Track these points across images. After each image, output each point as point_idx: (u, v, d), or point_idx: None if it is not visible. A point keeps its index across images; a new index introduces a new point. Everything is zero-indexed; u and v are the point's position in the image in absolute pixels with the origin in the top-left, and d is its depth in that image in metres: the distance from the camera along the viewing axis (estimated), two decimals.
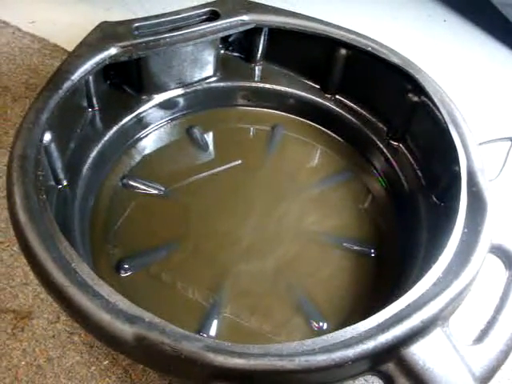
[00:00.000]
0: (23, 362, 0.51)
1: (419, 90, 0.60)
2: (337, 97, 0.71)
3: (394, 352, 0.38)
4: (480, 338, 0.41)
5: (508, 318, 0.42)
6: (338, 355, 0.36)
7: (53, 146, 0.52)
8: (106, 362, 0.51)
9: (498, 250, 0.47)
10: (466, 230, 0.46)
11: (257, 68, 0.73)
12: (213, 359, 0.35)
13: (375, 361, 0.38)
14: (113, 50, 0.58)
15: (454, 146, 0.53)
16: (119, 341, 0.37)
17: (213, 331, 0.51)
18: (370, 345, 0.37)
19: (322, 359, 0.36)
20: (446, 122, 0.55)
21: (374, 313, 0.40)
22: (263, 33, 0.70)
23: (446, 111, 0.56)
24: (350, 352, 0.36)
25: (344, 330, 0.39)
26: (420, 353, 0.38)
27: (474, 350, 0.40)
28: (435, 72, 0.64)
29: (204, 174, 0.66)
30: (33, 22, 0.92)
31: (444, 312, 0.40)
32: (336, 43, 0.66)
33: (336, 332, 0.39)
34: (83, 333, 0.53)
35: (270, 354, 0.36)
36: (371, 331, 0.39)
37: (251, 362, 0.35)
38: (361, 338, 0.38)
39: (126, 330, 0.36)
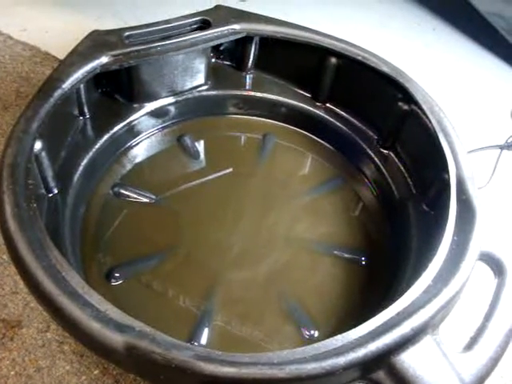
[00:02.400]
0: (12, 372, 0.50)
1: (409, 98, 0.61)
2: (327, 105, 0.72)
3: (384, 360, 0.38)
4: (470, 346, 0.41)
5: (497, 325, 0.42)
6: (329, 363, 0.36)
7: (43, 154, 0.52)
8: (96, 372, 0.51)
9: (487, 258, 0.47)
10: (455, 238, 0.46)
11: (248, 76, 0.74)
12: (203, 368, 0.35)
13: (366, 369, 0.38)
14: (104, 59, 0.58)
15: (444, 155, 0.53)
16: (109, 350, 0.36)
17: (204, 339, 0.51)
18: (360, 353, 0.37)
19: (312, 367, 0.36)
20: (435, 131, 0.55)
21: (365, 320, 0.41)
22: (254, 41, 0.70)
23: (436, 120, 0.56)
24: (341, 360, 0.37)
25: (335, 338, 0.39)
26: (410, 360, 0.39)
27: (463, 358, 0.40)
28: (424, 80, 0.65)
29: (195, 182, 0.66)
30: (24, 29, 0.92)
31: (434, 320, 0.40)
32: (326, 52, 0.67)
33: (327, 340, 0.39)
34: (73, 342, 0.52)
35: (260, 363, 0.36)
36: (362, 339, 0.39)
37: (242, 370, 0.35)
38: (351, 345, 0.38)
39: (117, 339, 0.36)
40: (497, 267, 0.47)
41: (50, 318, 0.52)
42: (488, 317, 0.43)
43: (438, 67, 0.99)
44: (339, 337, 0.39)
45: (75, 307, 0.37)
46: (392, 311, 0.41)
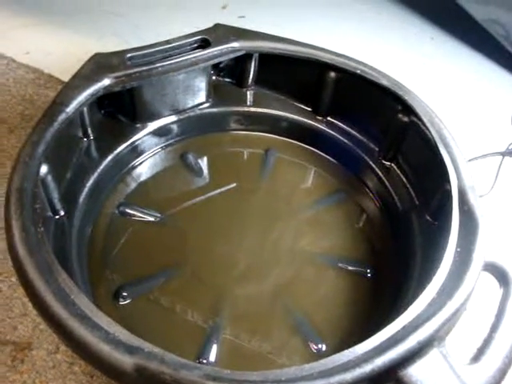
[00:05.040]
0: None
1: (408, 110, 0.61)
2: (328, 119, 0.72)
3: (391, 374, 0.39)
4: (477, 357, 0.41)
5: (504, 335, 0.42)
6: (337, 379, 0.36)
7: (49, 177, 0.52)
8: None
9: (491, 268, 0.47)
10: (458, 249, 0.46)
11: (248, 93, 0.74)
12: None
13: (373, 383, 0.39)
14: (106, 81, 0.59)
15: (445, 166, 0.53)
16: (119, 371, 0.37)
17: (213, 355, 0.51)
18: (367, 368, 0.37)
19: None
20: (435, 142, 0.56)
21: (372, 332, 0.41)
22: (253, 58, 0.71)
23: (436, 131, 0.57)
24: (348, 376, 0.37)
25: (342, 353, 0.39)
26: (417, 374, 0.39)
27: (471, 370, 0.40)
28: (424, 90, 0.65)
29: (199, 199, 0.66)
30: (27, 52, 0.93)
31: (440, 332, 0.40)
32: (325, 66, 0.67)
33: (334, 355, 0.39)
34: (83, 363, 0.53)
35: (268, 381, 0.36)
36: (369, 354, 0.39)
37: None
38: (358, 361, 0.38)
39: (126, 361, 0.37)
40: (501, 277, 0.47)
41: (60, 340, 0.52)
42: (494, 327, 0.43)
43: (436, 76, 1.00)
44: (346, 352, 0.39)
45: (84, 330, 0.38)
46: (398, 325, 0.41)
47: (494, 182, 0.75)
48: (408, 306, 0.43)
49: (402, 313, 0.42)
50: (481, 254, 0.46)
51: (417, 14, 1.19)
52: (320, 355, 0.51)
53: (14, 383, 0.51)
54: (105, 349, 0.37)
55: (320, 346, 0.53)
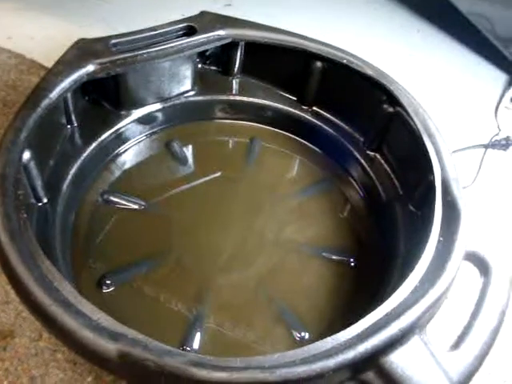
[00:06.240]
0: (5, 382, 0.50)
1: (393, 100, 0.61)
2: (314, 108, 0.72)
3: (373, 361, 0.39)
4: (457, 344, 0.42)
5: (483, 323, 0.43)
6: (319, 366, 0.37)
7: (32, 164, 0.52)
8: (89, 379, 0.51)
9: (472, 257, 0.48)
10: (441, 239, 0.47)
11: (234, 81, 0.74)
12: (196, 373, 0.36)
13: (355, 370, 0.39)
14: (90, 67, 0.58)
15: (428, 156, 0.54)
16: (103, 358, 0.37)
17: (196, 343, 0.51)
18: (349, 354, 0.38)
19: (302, 370, 0.36)
20: (419, 132, 0.56)
21: (354, 321, 0.41)
22: (240, 47, 0.70)
23: (420, 121, 0.57)
24: (331, 362, 0.37)
25: (324, 340, 0.40)
26: (399, 361, 0.39)
27: (451, 356, 0.41)
28: (409, 81, 0.65)
29: (184, 187, 0.66)
30: (9, 37, 0.91)
31: (421, 320, 0.41)
32: (311, 56, 0.67)
33: (316, 342, 0.39)
34: (66, 350, 0.53)
35: (251, 367, 0.36)
36: (351, 341, 0.39)
37: (234, 375, 0.36)
38: (341, 347, 0.39)
39: (110, 347, 0.37)
40: (482, 266, 0.48)
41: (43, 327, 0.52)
42: (474, 315, 0.44)
43: (422, 68, 1.00)
44: (329, 339, 0.40)
45: (67, 317, 0.38)
46: (380, 312, 0.42)
47: (477, 173, 0.76)
48: (391, 295, 0.43)
49: (385, 301, 0.43)
50: (462, 243, 0.47)
51: (404, 7, 1.20)
52: (303, 343, 0.52)
53: None
54: (88, 335, 0.37)
55: (303, 334, 0.53)
